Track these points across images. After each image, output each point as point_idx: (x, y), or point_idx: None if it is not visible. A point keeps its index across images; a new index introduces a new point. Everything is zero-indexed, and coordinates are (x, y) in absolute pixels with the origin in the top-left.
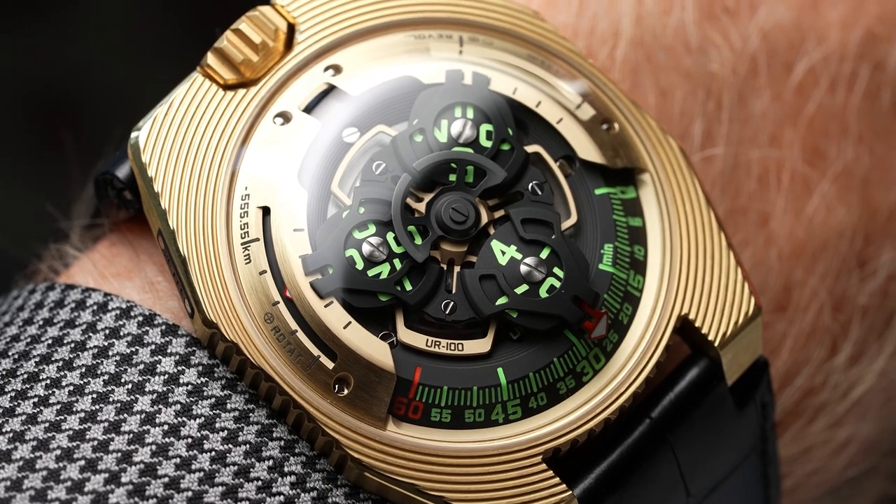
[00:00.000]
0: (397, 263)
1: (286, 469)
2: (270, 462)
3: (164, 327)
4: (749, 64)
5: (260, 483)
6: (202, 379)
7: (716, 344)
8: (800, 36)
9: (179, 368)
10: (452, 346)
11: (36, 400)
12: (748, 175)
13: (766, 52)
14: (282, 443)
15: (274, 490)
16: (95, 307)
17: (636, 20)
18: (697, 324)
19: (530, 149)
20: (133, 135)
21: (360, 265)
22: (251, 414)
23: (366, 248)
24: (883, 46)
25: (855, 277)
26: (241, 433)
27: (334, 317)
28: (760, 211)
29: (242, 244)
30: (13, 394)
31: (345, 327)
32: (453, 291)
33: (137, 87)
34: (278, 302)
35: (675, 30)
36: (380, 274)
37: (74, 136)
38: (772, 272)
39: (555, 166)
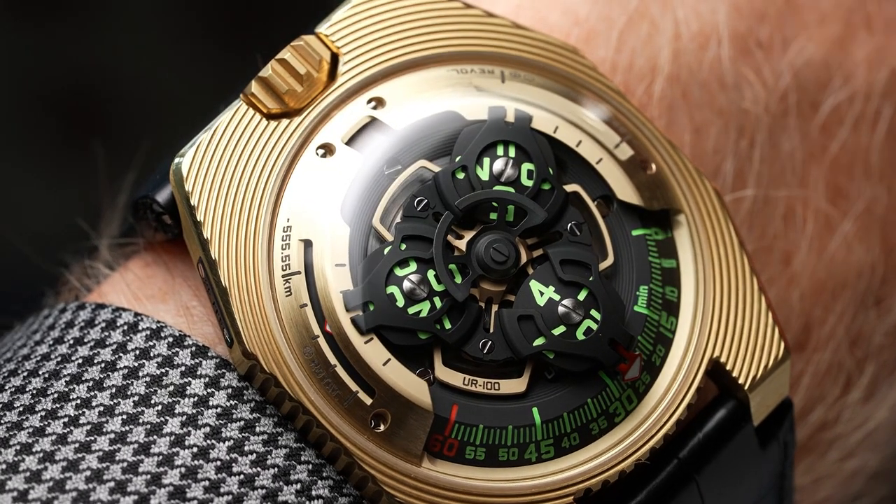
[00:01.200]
0: (437, 302)
1: (314, 493)
2: (298, 486)
3: (193, 349)
4: (780, 102)
5: None
6: (232, 402)
7: (746, 387)
8: (828, 74)
9: (209, 391)
10: (489, 385)
11: (66, 420)
12: (774, 213)
13: (797, 90)
14: (310, 466)
15: None
16: (126, 327)
17: (673, 56)
18: (728, 367)
19: (570, 188)
20: (176, 161)
21: (400, 303)
22: (279, 437)
23: (406, 286)
24: None
25: (872, 315)
26: (269, 456)
27: (374, 353)
28: (784, 250)
29: (283, 276)
30: (43, 413)
31: (384, 364)
32: (491, 331)
33: (162, 86)
34: (318, 336)
35: (710, 65)
36: (420, 312)
37: (101, 136)
38: (793, 312)
39: (593, 206)
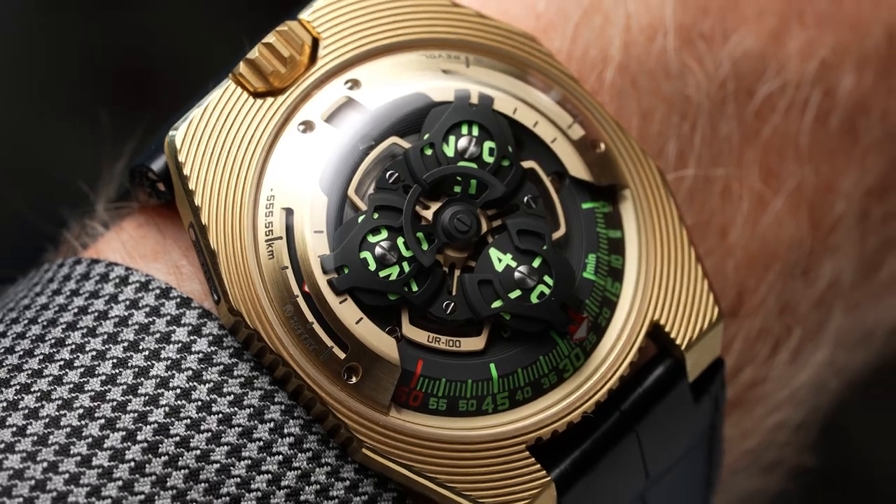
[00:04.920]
0: (406, 266)
1: (286, 430)
2: (271, 424)
3: (178, 300)
4: (719, 89)
5: (261, 443)
6: (212, 348)
7: (682, 347)
8: (763, 64)
9: (192, 338)
10: (451, 343)
11: (62, 363)
12: (712, 191)
13: (735, 79)
14: (282, 407)
15: (274, 450)
16: (118, 280)
17: (623, 47)
18: (667, 328)
19: (526, 164)
20: (170, 134)
21: (372, 266)
22: (255, 381)
23: (378, 252)
24: (834, 75)
25: (799, 285)
26: (245, 398)
27: (348, 312)
28: (721, 224)
29: (267, 241)
30: (41, 356)
31: (357, 322)
32: (454, 293)
33: (212, 61)
34: (297, 296)
35: (657, 56)
36: (390, 275)
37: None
38: (728, 281)
39: (547, 181)
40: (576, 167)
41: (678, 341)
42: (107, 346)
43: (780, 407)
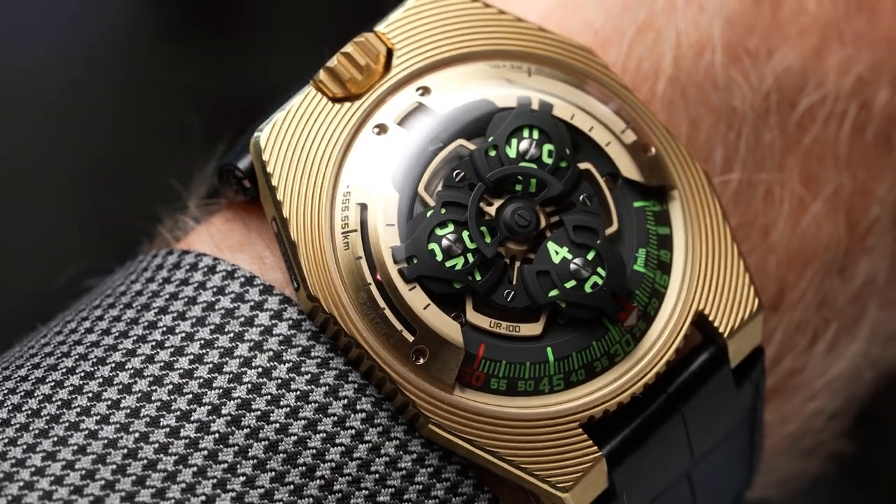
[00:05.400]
0: (470, 257)
1: (358, 407)
2: (345, 401)
3: (261, 287)
4: (763, 101)
5: (335, 418)
6: (292, 331)
7: (725, 335)
8: (804, 79)
9: (273, 322)
10: (511, 328)
11: (153, 343)
12: (755, 194)
13: (777, 92)
14: (355, 385)
15: (347, 424)
16: (206, 269)
17: (674, 61)
18: (711, 318)
19: (582, 166)
20: (256, 135)
21: (439, 257)
22: (331, 361)
23: (445, 244)
24: (870, 90)
25: (836, 282)
26: (322, 377)
27: (416, 299)
28: (764, 225)
29: (343, 233)
30: (135, 338)
31: (424, 308)
32: (514, 283)
33: None
34: (370, 284)
35: (705, 70)
36: (455, 265)
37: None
38: (770, 276)
39: (602, 181)
40: (628, 169)
41: (721, 329)
42: (195, 329)
43: (818, 395)
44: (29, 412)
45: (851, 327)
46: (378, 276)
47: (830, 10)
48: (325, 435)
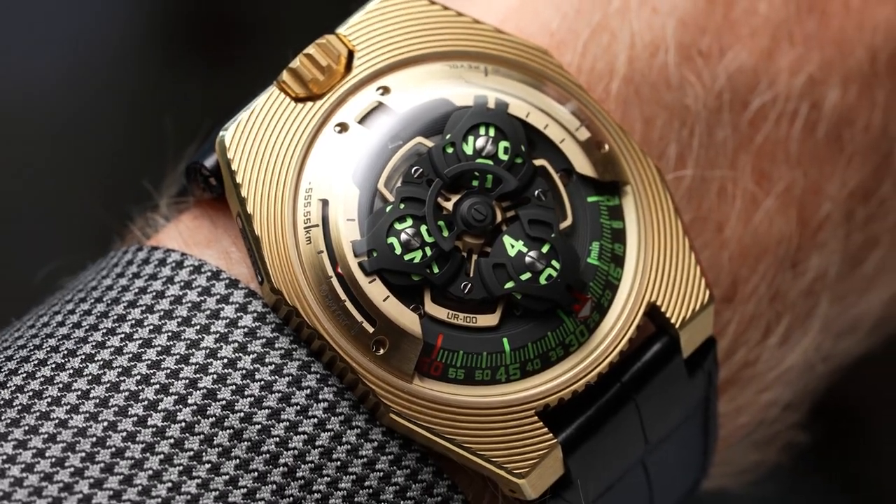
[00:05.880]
0: (428, 251)
1: (320, 396)
2: (308, 391)
3: (227, 281)
4: (716, 100)
5: (298, 407)
6: (256, 323)
7: (676, 326)
8: (756, 78)
9: (238, 314)
10: (468, 319)
11: (123, 335)
12: (709, 190)
13: (730, 91)
14: (317, 376)
15: (310, 413)
16: (174, 264)
17: (628, 61)
18: (663, 309)
19: (538, 162)
20: (221, 134)
21: (398, 251)
22: (294, 352)
23: (403, 237)
24: (820, 89)
25: (788, 276)
26: (285, 367)
27: (376, 291)
28: (717, 221)
29: (305, 228)
30: (104, 330)
31: (384, 300)
32: (471, 275)
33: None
34: (331, 276)
35: (659, 69)
36: (414, 258)
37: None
38: (723, 270)
39: (556, 177)
40: (582, 165)
41: (673, 320)
42: (162, 322)
43: (771, 386)
44: (1, 402)
45: (803, 321)
46: (339, 270)
47: (781, 12)
48: (288, 423)
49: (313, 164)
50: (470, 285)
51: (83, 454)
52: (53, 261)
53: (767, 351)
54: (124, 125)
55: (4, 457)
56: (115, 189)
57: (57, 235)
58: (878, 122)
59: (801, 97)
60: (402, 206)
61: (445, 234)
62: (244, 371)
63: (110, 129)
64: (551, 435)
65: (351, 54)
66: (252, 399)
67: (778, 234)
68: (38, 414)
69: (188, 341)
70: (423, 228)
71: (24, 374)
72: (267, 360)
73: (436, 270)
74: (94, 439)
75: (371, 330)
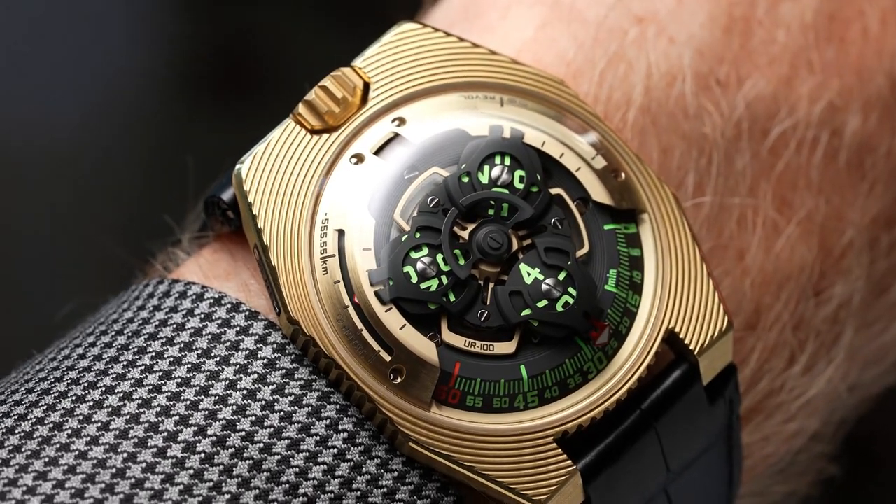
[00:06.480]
0: (444, 279)
1: (340, 427)
2: (327, 421)
3: (247, 313)
4: (735, 128)
5: (318, 438)
6: (276, 355)
7: (695, 352)
8: (776, 106)
9: (258, 346)
10: (485, 347)
11: (143, 368)
12: (729, 218)
13: (749, 119)
14: (337, 406)
15: (329, 444)
16: (194, 297)
17: (645, 91)
18: (681, 335)
19: (554, 191)
20: (237, 167)
21: (414, 279)
22: (313, 384)
23: (420, 266)
24: (841, 116)
25: (811, 304)
26: (304, 398)
27: (393, 320)
28: (738, 248)
29: (321, 258)
30: (125, 362)
31: (401, 329)
32: (487, 303)
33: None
34: (348, 306)
35: (676, 99)
36: (430, 287)
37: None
38: (745, 298)
39: (573, 206)
40: (598, 193)
41: (691, 346)
42: (182, 353)
43: (796, 416)
44: (22, 434)
45: (829, 349)
46: (356, 299)
47: (800, 40)
48: (307, 454)
49: (329, 195)
50: (487, 313)
51: (103, 485)
52: (75, 299)
53: (792, 379)
54: (147, 165)
55: (24, 488)
56: (138, 227)
57: (78, 273)
58: None
59: (822, 124)
60: (417, 235)
61: (462, 262)
62: (263, 402)
63: (133, 168)
64: (570, 462)
65: (367, 86)
66: (272, 430)
67: (800, 261)
68: (58, 446)
69: (208, 373)
70: (440, 257)
71: (45, 407)
72: (286, 391)
73: (452, 299)
74: (113, 470)
75: (388, 359)
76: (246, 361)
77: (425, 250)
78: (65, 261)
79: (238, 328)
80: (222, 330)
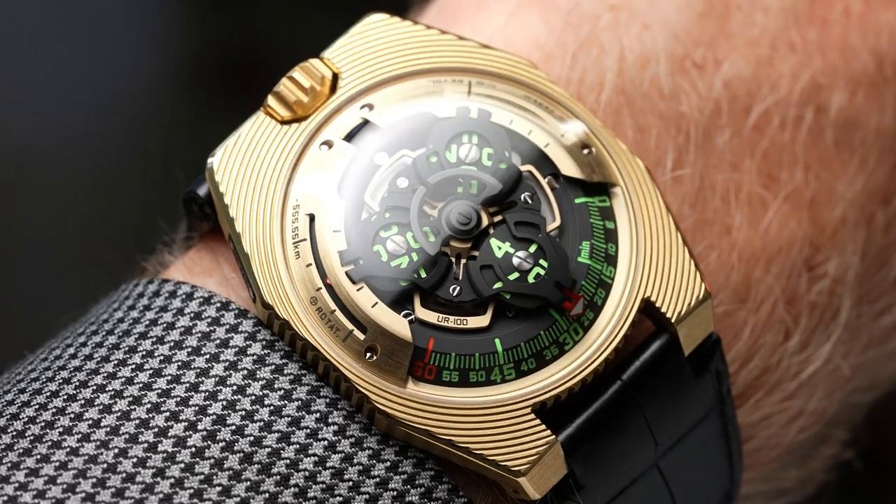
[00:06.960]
0: (414, 256)
1: (330, 420)
2: (317, 415)
3: (236, 311)
4: (713, 106)
5: (308, 430)
6: (265, 351)
7: (673, 321)
8: (756, 85)
9: (247, 343)
10: (459, 322)
11: (133, 366)
12: (713, 194)
13: (728, 98)
14: (327, 400)
15: (320, 436)
16: (184, 296)
17: (618, 73)
18: (658, 304)
19: (523, 168)
20: (209, 160)
21: (384, 258)
22: (303, 378)
23: (390, 245)
24: (825, 94)
25: (804, 279)
26: (294, 392)
27: (364, 298)
28: (724, 223)
29: (293, 243)
30: (116, 361)
31: (373, 307)
32: (459, 278)
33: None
34: (321, 288)
35: (651, 80)
36: (400, 264)
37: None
38: (734, 270)
39: (543, 181)
40: (568, 167)
41: (669, 315)
42: (173, 352)
43: (796, 394)
44: (14, 433)
45: (827, 325)
46: (328, 281)
47: (780, 22)
48: (298, 446)
49: (300, 181)
50: (459, 288)
51: (94, 480)
52: (75, 300)
53: (788, 355)
54: (151, 166)
55: (16, 485)
56: (139, 229)
57: (78, 273)
58: (890, 124)
59: (805, 102)
60: (387, 214)
61: (432, 238)
62: (253, 397)
63: (136, 170)
64: (549, 432)
65: (335, 77)
66: (261, 423)
67: (790, 235)
68: (49, 443)
69: (197, 370)
70: (409, 235)
71: (37, 406)
72: (276, 386)
73: (423, 275)
74: (105, 465)
75: (362, 337)
76: (235, 358)
77: (395, 229)
78: (65, 261)
79: (227, 326)
80: (212, 328)
